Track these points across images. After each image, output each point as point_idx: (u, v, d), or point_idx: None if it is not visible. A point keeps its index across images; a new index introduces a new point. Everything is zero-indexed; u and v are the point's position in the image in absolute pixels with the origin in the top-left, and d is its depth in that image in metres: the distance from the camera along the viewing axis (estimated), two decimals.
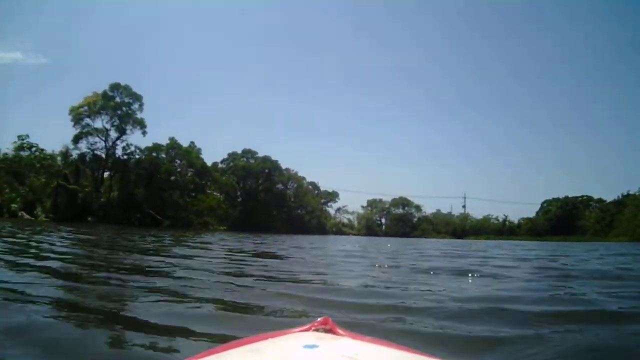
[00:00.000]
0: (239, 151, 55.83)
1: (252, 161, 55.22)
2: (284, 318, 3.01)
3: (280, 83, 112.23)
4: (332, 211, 69.17)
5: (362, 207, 75.13)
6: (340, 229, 63.65)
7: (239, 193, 53.99)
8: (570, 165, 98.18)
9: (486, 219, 78.25)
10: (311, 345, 0.88)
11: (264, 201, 53.12)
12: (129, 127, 44.48)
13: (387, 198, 75.84)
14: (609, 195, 72.48)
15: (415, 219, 75.58)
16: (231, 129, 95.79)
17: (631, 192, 62.50)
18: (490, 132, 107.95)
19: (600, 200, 72.13)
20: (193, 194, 47.06)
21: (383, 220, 75.92)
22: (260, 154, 55.69)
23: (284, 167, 56.68)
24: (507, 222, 76.50)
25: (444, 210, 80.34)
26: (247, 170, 54.16)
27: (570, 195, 73.23)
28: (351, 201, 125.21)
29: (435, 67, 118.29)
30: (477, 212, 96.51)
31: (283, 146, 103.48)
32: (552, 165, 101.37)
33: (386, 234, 67.21)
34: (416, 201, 75.73)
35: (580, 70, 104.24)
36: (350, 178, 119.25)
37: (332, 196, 67.03)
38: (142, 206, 42.80)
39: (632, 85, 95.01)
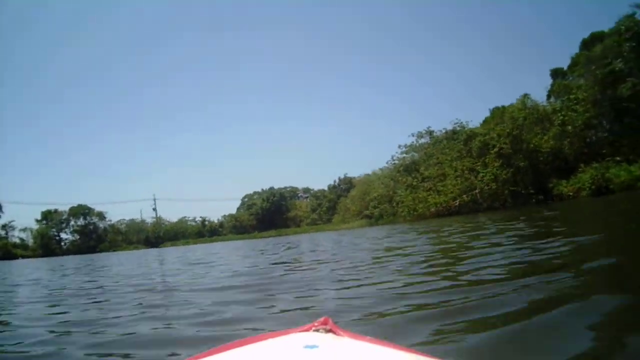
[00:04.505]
0: None
1: None
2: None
3: None
4: None
5: (36, 220, 63.82)
6: (10, 252, 52.46)
7: None
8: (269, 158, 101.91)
9: (182, 222, 73.02)
10: (311, 345, 0.88)
11: None
12: None
13: (65, 207, 66.78)
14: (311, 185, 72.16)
15: (101, 230, 69.06)
16: None
17: (349, 175, 59.49)
18: (166, 126, 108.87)
19: (307, 189, 70.37)
20: None
21: (63, 236, 66.41)
22: None
23: None
24: (206, 222, 72.82)
25: (135, 217, 74.40)
26: None
27: (275, 187, 70.00)
28: (23, 215, 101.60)
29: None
30: (171, 215, 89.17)
31: None
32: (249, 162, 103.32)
33: (68, 252, 59.74)
34: (99, 208, 68.93)
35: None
36: (19, 187, 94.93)
37: None
38: None
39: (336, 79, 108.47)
